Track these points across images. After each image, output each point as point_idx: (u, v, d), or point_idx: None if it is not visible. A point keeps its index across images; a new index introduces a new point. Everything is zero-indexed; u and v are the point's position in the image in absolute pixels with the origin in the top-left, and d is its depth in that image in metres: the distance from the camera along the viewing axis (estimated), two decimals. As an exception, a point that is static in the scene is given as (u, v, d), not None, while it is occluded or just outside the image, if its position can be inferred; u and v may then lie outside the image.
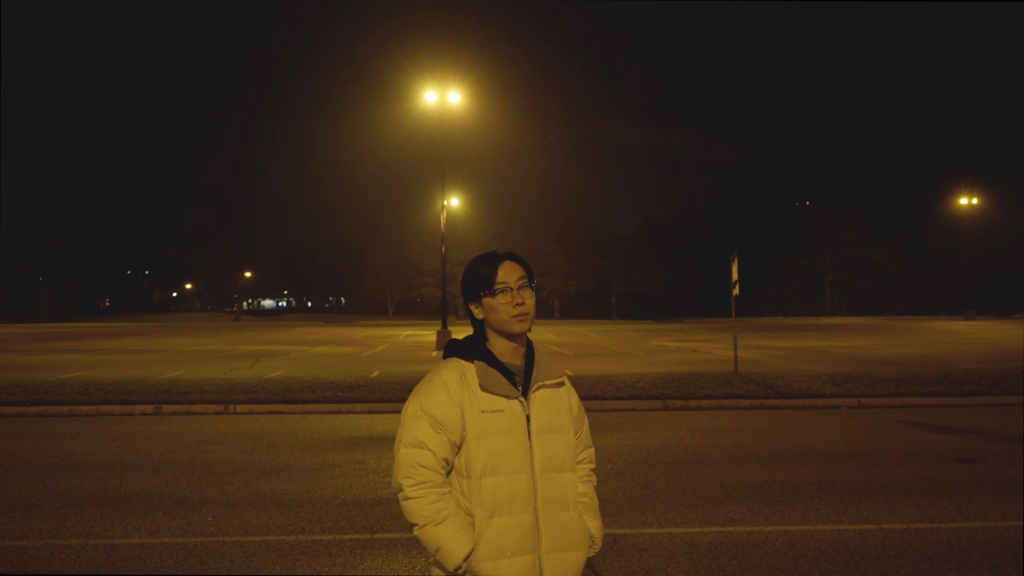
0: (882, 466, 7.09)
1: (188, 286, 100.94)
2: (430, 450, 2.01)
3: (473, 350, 2.11)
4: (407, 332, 38.60)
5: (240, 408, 10.73)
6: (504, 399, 2.05)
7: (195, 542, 5.02)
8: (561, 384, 2.18)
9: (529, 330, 2.14)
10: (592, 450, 2.31)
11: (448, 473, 2.07)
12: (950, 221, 67.25)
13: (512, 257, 2.13)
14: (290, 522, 5.44)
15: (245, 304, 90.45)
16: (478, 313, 2.12)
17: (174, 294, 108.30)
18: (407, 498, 2.01)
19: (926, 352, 21.03)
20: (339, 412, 10.61)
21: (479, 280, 2.10)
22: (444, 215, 26.01)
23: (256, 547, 4.93)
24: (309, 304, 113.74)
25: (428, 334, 33.34)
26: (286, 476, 6.84)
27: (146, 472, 7.03)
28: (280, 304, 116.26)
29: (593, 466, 2.30)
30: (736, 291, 14.27)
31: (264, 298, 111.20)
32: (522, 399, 2.08)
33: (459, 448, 2.05)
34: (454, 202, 52.28)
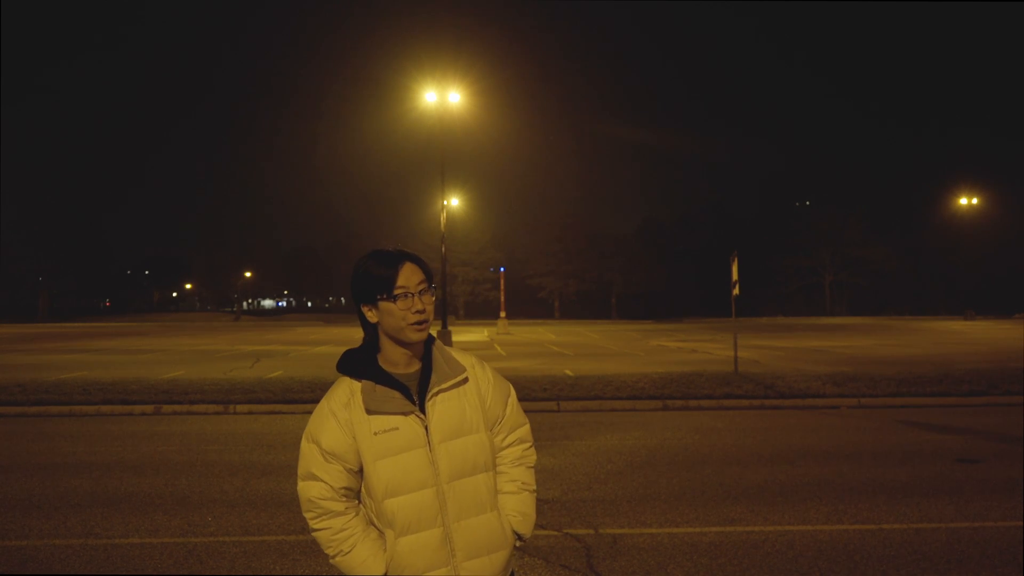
0: (882, 466, 7.09)
1: (188, 286, 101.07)
2: (323, 482, 1.96)
3: (363, 366, 1.98)
4: (407, 332, 38.58)
5: (240, 408, 10.72)
6: (398, 416, 1.93)
7: (195, 542, 5.02)
8: (464, 381, 2.02)
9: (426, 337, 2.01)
10: (524, 428, 2.16)
11: (356, 496, 2.02)
12: (950, 221, 67.29)
13: (411, 258, 1.99)
14: (290, 522, 5.44)
15: (245, 304, 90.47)
16: (371, 316, 1.97)
17: (174, 294, 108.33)
18: (313, 530, 1.99)
19: (926, 352, 21.03)
20: (339, 412, 10.59)
21: (377, 282, 1.94)
22: (444, 215, 26.00)
23: (256, 547, 4.93)
24: (309, 304, 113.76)
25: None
26: (286, 476, 6.84)
27: (146, 472, 7.03)
28: (280, 304, 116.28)
29: (527, 444, 2.16)
30: (736, 291, 14.26)
31: (264, 298, 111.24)
32: (418, 412, 1.95)
33: (360, 471, 1.98)
34: (454, 202, 52.29)
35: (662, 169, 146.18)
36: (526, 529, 2.09)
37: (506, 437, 2.13)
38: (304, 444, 2.00)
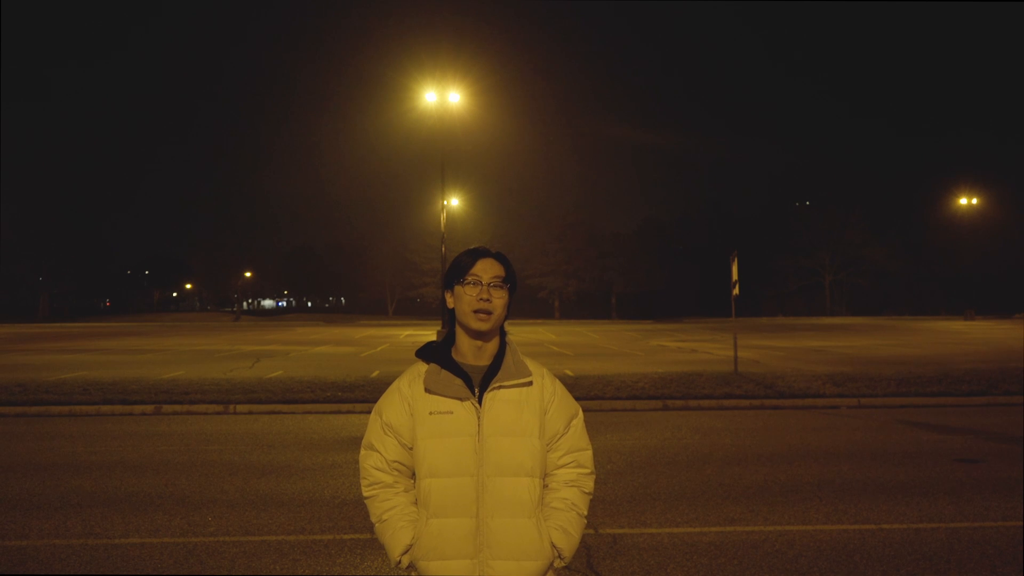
0: (882, 466, 7.09)
1: (188, 286, 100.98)
2: (379, 452, 2.10)
3: (435, 352, 2.11)
4: (407, 332, 38.62)
5: (240, 408, 10.72)
6: (455, 400, 2.02)
7: (195, 542, 5.02)
8: (527, 384, 2.08)
9: (491, 333, 2.08)
10: (584, 453, 2.15)
11: (409, 475, 2.11)
12: (950, 221, 67.29)
13: (496, 256, 2.12)
14: (290, 522, 5.45)
15: (245, 304, 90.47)
16: (450, 302, 2.12)
17: (174, 294, 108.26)
18: (365, 497, 2.14)
19: (926, 352, 21.03)
20: (339, 412, 10.61)
21: (456, 268, 2.10)
22: (444, 215, 25.99)
23: (256, 547, 4.93)
24: (309, 304, 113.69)
25: (428, 334, 33.34)
26: (286, 476, 6.84)
27: (146, 472, 7.03)
28: (280, 304, 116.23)
29: (585, 470, 2.14)
30: (736, 291, 14.27)
31: (264, 298, 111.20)
32: (475, 401, 2.03)
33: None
34: (454, 202, 52.25)
35: (662, 169, 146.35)
36: (566, 545, 2.05)
37: (562, 456, 2.13)
38: (371, 416, 2.17)
